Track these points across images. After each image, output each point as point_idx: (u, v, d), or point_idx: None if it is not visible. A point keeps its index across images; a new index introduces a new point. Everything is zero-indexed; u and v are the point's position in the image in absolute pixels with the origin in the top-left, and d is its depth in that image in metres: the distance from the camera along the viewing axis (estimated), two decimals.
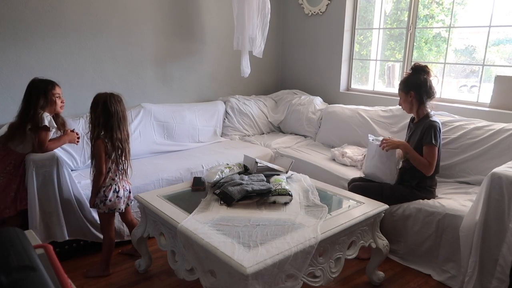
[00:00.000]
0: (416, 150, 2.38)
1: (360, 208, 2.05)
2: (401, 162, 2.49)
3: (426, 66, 2.45)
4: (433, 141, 2.30)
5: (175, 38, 3.64)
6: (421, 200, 2.40)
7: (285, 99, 4.15)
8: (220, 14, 3.88)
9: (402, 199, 2.44)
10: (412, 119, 2.60)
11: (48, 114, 2.34)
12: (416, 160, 2.35)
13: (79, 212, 2.41)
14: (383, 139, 2.46)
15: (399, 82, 2.56)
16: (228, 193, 2.06)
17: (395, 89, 3.63)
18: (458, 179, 2.71)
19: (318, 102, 3.91)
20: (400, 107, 2.60)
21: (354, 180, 2.71)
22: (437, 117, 2.90)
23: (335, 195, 2.28)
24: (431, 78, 2.44)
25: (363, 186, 2.51)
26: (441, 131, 2.40)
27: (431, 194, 2.44)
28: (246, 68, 3.73)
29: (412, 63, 2.52)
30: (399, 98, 2.56)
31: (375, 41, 3.78)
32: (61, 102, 2.49)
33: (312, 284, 1.78)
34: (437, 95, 3.23)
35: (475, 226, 2.01)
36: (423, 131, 2.36)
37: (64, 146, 2.82)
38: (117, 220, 2.59)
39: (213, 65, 3.97)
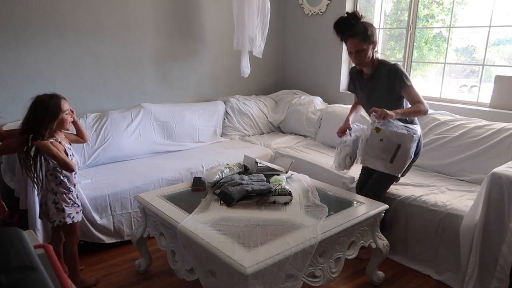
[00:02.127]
0: (386, 98, 2.24)
1: (360, 208, 2.05)
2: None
3: (355, 12, 2.20)
4: (408, 82, 2.18)
5: (175, 38, 3.64)
6: (422, 198, 2.39)
7: (285, 99, 4.15)
8: (220, 14, 3.87)
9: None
10: (357, 73, 2.38)
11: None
12: (411, 113, 2.19)
13: None
14: (375, 114, 2.12)
15: (351, 32, 2.18)
16: (228, 193, 2.06)
17: None
18: (459, 177, 2.71)
19: (318, 102, 3.91)
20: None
21: (359, 185, 2.58)
22: (440, 116, 2.92)
23: (335, 195, 2.28)
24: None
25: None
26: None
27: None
28: (246, 68, 3.73)
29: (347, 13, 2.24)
30: (351, 52, 2.23)
31: None
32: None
33: (312, 284, 1.78)
34: (437, 95, 3.24)
35: (475, 226, 2.01)
36: (390, 79, 2.20)
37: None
38: (117, 220, 2.60)
39: (213, 65, 3.97)
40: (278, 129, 4.17)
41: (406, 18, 3.43)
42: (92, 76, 3.21)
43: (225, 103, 3.91)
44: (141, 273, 2.37)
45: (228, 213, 1.95)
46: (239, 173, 2.41)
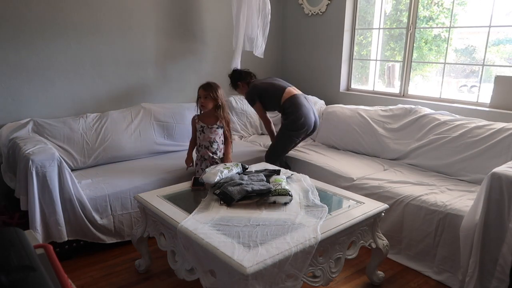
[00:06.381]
0: None
1: (360, 208, 2.05)
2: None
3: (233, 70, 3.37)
4: (251, 105, 3.23)
5: (175, 38, 3.64)
6: (422, 198, 2.39)
7: None
8: (220, 14, 3.87)
9: (284, 137, 3.12)
10: None
11: None
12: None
13: (79, 212, 2.41)
14: None
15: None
16: (228, 193, 2.06)
17: (395, 89, 3.65)
18: (459, 177, 2.71)
19: (318, 102, 3.91)
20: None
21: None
22: (440, 116, 2.92)
23: (335, 195, 2.28)
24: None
25: (267, 155, 3.17)
26: (253, 86, 3.19)
27: (295, 117, 3.01)
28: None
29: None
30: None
31: (375, 41, 3.78)
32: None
33: (312, 284, 1.78)
34: (437, 95, 3.25)
35: (475, 226, 2.01)
36: None
37: (64, 145, 2.83)
38: (117, 220, 2.60)
39: (213, 65, 3.96)
40: (278, 129, 4.16)
41: (406, 19, 3.43)
42: (92, 76, 3.21)
43: None
44: (141, 273, 2.37)
45: (228, 213, 1.95)
46: (238, 173, 2.41)
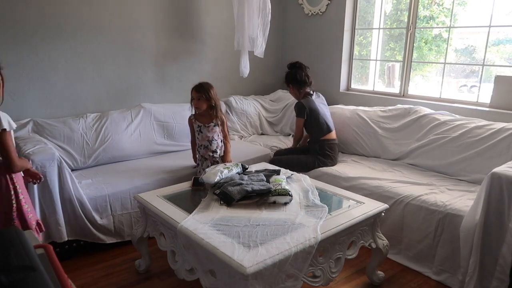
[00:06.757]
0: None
1: (360, 208, 2.05)
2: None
3: (297, 62, 3.20)
4: (296, 115, 3.12)
5: (175, 38, 3.64)
6: (422, 198, 2.40)
7: (284, 99, 4.15)
8: (220, 14, 3.87)
9: (312, 166, 3.03)
10: None
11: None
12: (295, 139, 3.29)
13: (79, 212, 2.41)
14: None
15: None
16: (228, 193, 2.06)
17: (395, 89, 3.65)
18: (459, 177, 2.71)
19: None
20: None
21: (278, 153, 3.30)
22: (440, 116, 2.92)
23: (335, 195, 2.28)
24: (306, 72, 3.16)
25: (280, 160, 3.06)
26: (308, 104, 3.06)
27: (332, 161, 3.05)
28: (244, 69, 3.72)
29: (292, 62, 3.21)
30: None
31: (375, 41, 3.78)
32: None
33: (312, 284, 1.78)
34: (437, 95, 3.24)
35: (475, 226, 2.01)
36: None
37: (64, 145, 2.83)
38: (117, 220, 2.59)
39: (213, 65, 3.96)
40: (277, 129, 4.17)
41: (406, 19, 3.43)
42: (92, 76, 3.21)
43: (224, 103, 3.91)
44: (141, 273, 2.37)
45: (228, 213, 1.95)
46: (238, 173, 2.41)
